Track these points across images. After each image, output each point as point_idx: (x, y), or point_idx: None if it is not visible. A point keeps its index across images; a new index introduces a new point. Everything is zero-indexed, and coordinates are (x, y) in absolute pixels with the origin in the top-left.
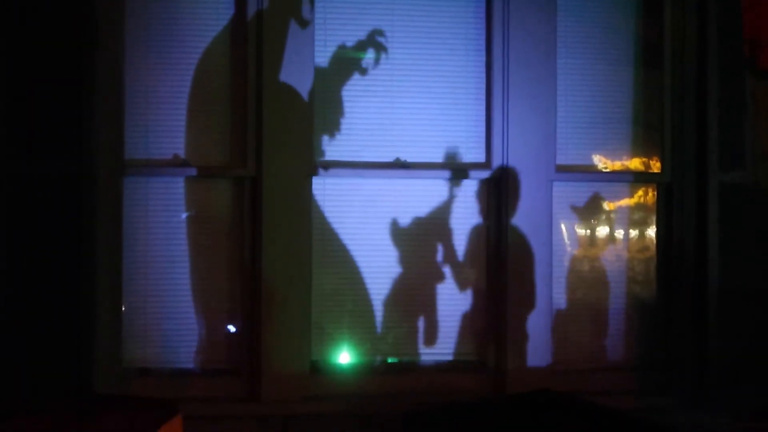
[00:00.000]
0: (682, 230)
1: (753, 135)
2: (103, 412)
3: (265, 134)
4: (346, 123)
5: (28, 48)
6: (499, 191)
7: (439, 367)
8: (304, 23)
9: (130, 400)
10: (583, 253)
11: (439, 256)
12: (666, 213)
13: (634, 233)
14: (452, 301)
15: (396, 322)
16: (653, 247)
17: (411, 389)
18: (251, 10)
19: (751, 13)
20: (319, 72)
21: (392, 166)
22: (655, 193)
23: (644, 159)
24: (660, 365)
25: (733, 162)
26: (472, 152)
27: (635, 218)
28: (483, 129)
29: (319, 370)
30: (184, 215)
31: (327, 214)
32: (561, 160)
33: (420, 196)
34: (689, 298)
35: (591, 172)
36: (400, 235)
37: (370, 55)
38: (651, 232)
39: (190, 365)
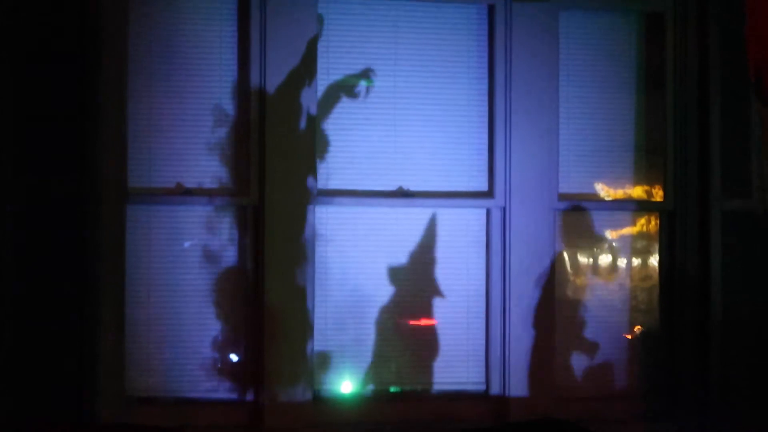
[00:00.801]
0: (685, 258)
1: (759, 162)
2: None
3: (268, 162)
4: (348, 151)
5: (35, 81)
6: (502, 220)
7: (442, 396)
8: (308, 51)
9: (134, 429)
10: (586, 281)
11: (442, 286)
12: (669, 241)
13: (637, 261)
14: (454, 330)
15: (398, 350)
16: (656, 275)
17: (415, 417)
18: (254, 41)
19: (756, 38)
20: (321, 100)
21: (394, 195)
22: (658, 221)
23: (647, 187)
24: (663, 391)
25: (739, 189)
26: (474, 180)
27: (638, 246)
28: (485, 157)
29: (322, 398)
30: (186, 243)
31: (330, 242)
32: (564, 188)
33: (422, 224)
34: (692, 325)
35: (594, 201)
36: (402, 264)
37: (372, 83)
38: (654, 259)
39: (193, 394)
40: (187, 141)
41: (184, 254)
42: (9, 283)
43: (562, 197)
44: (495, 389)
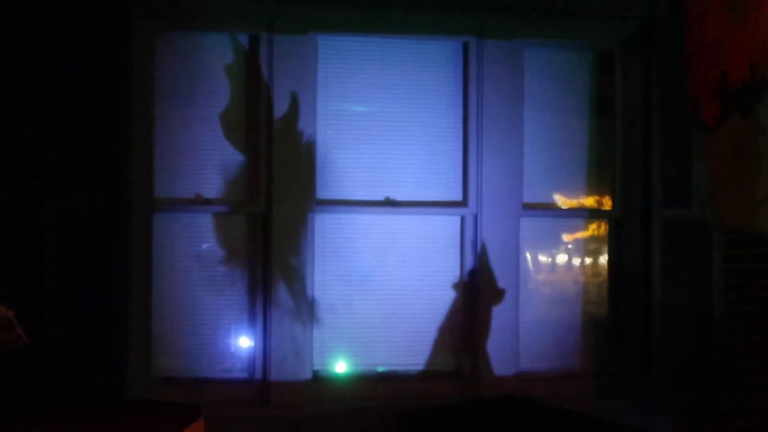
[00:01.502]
0: (630, 258)
1: (696, 178)
2: (134, 414)
3: (275, 176)
4: (343, 166)
5: (77, 106)
6: (474, 226)
7: (424, 375)
8: (308, 80)
9: (158, 404)
10: (545, 278)
11: (423, 281)
12: (617, 244)
13: (589, 261)
14: (434, 319)
15: (386, 336)
16: (605, 273)
17: (399, 394)
18: (263, 73)
19: (694, 74)
20: (320, 121)
21: (382, 204)
22: (608, 226)
23: (598, 197)
24: (612, 373)
25: (677, 200)
26: (451, 192)
27: (590, 248)
28: (460, 172)
29: (320, 378)
30: (204, 245)
31: (327, 245)
32: (527, 198)
33: (406, 229)
34: (637, 316)
35: (552, 209)
36: (389, 262)
37: (364, 108)
38: (604, 259)
39: (210, 374)
40: (206, 158)
41: (203, 254)
42: (51, 276)
43: (526, 206)
44: (468, 370)
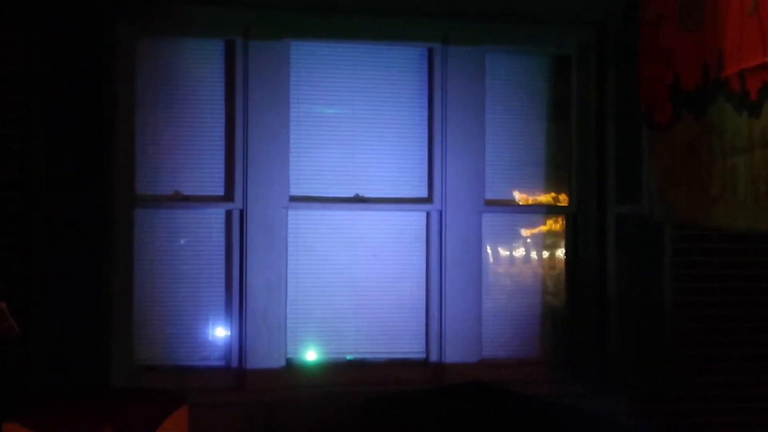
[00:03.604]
0: (586, 251)
1: (648, 175)
2: (121, 401)
3: (250, 173)
4: (315, 165)
5: (64, 109)
6: (439, 220)
7: (391, 363)
8: (282, 84)
9: (144, 392)
10: (506, 270)
11: (391, 273)
12: (573, 238)
13: (547, 254)
14: (401, 309)
15: (355, 326)
16: (562, 265)
17: (368, 381)
18: (239, 77)
19: (646, 80)
20: (293, 123)
21: (352, 201)
22: (564, 221)
23: (555, 194)
24: (570, 360)
25: (630, 196)
26: (417, 189)
27: (548, 242)
28: (426, 170)
29: (293, 365)
30: (183, 240)
31: (300, 239)
32: (489, 195)
33: (375, 224)
34: (592, 306)
35: (512, 205)
36: (359, 256)
37: (335, 111)
38: (561, 253)
39: (189, 362)
40: (184, 157)
41: (182, 249)
42: (39, 270)
43: (488, 202)
44: (433, 357)
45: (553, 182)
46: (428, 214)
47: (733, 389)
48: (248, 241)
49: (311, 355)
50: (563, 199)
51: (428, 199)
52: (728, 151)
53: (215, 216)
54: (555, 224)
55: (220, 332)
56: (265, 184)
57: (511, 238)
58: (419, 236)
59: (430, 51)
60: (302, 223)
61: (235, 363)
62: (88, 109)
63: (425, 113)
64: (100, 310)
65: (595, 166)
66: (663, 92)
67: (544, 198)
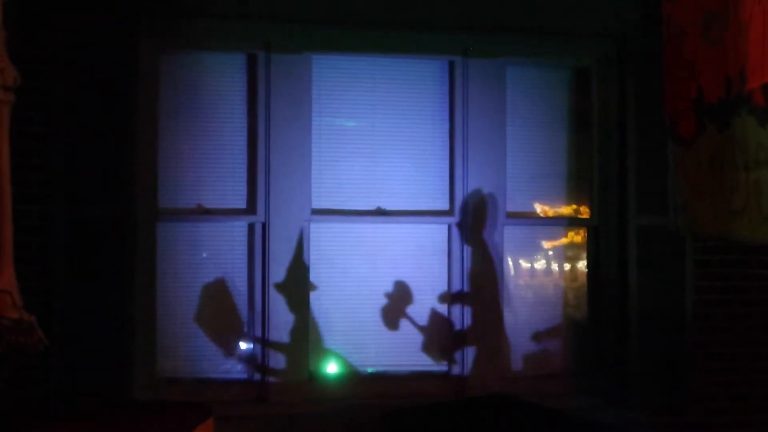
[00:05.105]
0: (608, 263)
1: (673, 189)
2: (147, 414)
3: (272, 186)
4: (336, 178)
5: (86, 122)
6: (461, 234)
7: (413, 375)
8: (303, 98)
9: (169, 404)
10: (527, 282)
11: (413, 285)
12: (594, 250)
13: (568, 266)
14: (422, 321)
15: (377, 339)
16: (584, 277)
17: (390, 393)
18: (261, 91)
19: (672, 90)
20: (315, 136)
21: (373, 214)
22: (586, 234)
23: (576, 206)
24: (590, 372)
25: (651, 208)
26: (438, 202)
27: (569, 254)
28: (447, 183)
29: (315, 378)
30: (205, 253)
31: (322, 252)
32: (510, 207)
33: (397, 237)
34: (613, 318)
35: (534, 218)
36: (381, 269)
37: (356, 123)
38: (582, 265)
39: (212, 375)
40: (207, 170)
41: (204, 262)
42: (61, 283)
43: (509, 215)
44: (455, 370)
45: (574, 194)
46: (450, 227)
47: (752, 402)
48: (270, 254)
49: (333, 367)
50: (584, 212)
51: (450, 212)
52: (751, 164)
53: (237, 229)
54: (576, 236)
55: (242, 345)
56: (287, 197)
57: (532, 250)
58: (441, 248)
59: (451, 64)
60: (324, 236)
61: (257, 376)
62: (111, 123)
63: (446, 126)
64: (122, 322)
65: (616, 178)
66: (687, 105)
67: (565, 210)
